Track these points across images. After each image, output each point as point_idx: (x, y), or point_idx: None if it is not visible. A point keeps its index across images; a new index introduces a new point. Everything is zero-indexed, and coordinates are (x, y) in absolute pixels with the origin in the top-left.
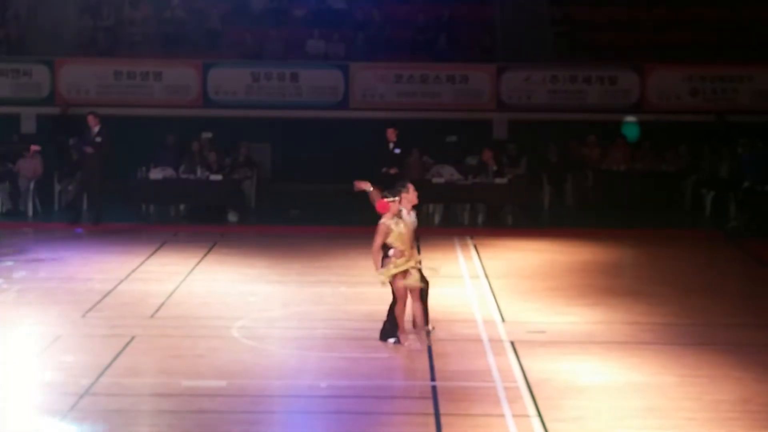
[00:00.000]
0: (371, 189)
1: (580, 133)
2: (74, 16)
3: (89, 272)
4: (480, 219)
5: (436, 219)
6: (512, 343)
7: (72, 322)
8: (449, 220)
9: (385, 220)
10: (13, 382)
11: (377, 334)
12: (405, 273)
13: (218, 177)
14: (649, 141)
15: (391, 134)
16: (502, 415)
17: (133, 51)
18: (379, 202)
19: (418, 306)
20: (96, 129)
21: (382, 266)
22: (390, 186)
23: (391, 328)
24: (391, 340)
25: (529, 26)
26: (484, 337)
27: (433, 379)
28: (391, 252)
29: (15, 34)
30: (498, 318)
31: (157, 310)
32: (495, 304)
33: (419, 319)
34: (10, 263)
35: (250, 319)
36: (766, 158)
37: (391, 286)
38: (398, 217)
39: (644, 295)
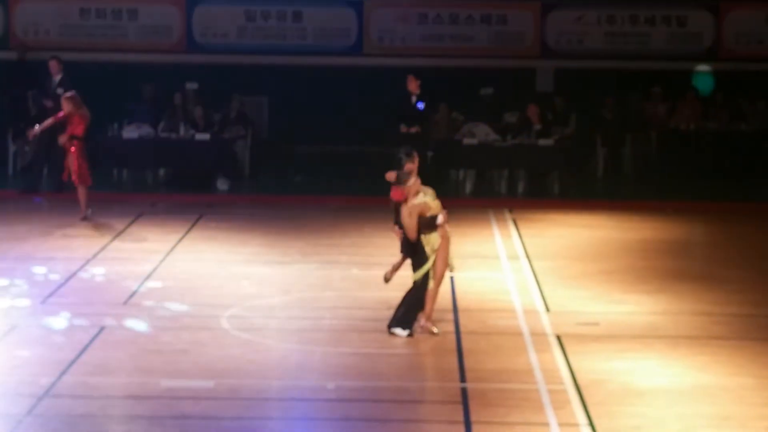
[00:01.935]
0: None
1: (642, 84)
2: None
3: (50, 250)
4: (520, 188)
5: (468, 188)
6: (558, 338)
7: (29, 309)
8: (483, 189)
9: (415, 201)
10: None
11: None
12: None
13: (205, 136)
14: (725, 95)
15: (413, 84)
16: (546, 424)
17: None
18: (394, 191)
19: (435, 292)
20: (57, 78)
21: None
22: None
23: (402, 316)
24: (403, 333)
25: None
26: (525, 330)
27: (463, 380)
28: (440, 219)
29: None
30: (541, 307)
31: (131, 296)
32: (538, 290)
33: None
34: None
35: (244, 307)
36: None
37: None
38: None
39: (717, 280)
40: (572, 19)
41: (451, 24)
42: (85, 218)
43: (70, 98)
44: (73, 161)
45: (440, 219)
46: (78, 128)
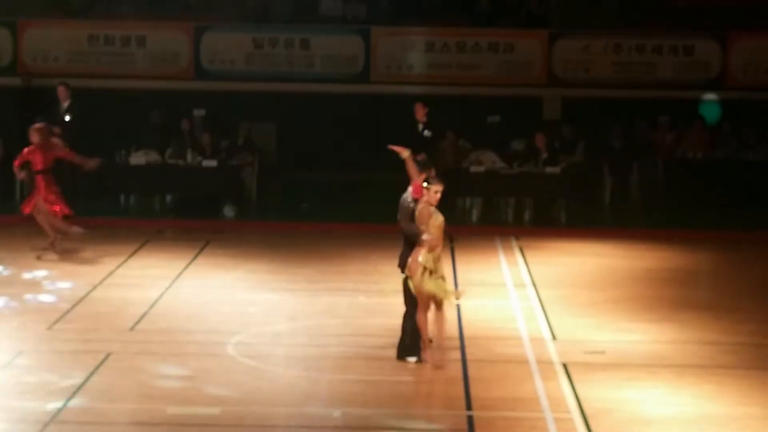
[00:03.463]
0: (407, 155)
1: (649, 113)
2: None
3: (57, 276)
4: (527, 216)
5: (474, 215)
6: (565, 366)
7: (36, 335)
8: (490, 216)
9: (427, 204)
10: None
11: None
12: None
13: (212, 163)
14: (732, 124)
15: (420, 112)
16: None
17: (111, 11)
18: (415, 184)
19: (442, 318)
20: (65, 104)
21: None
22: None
23: (410, 343)
24: (412, 359)
25: None
26: (531, 358)
27: (469, 408)
28: (425, 236)
29: None
30: (548, 335)
31: (137, 322)
32: (544, 318)
33: (441, 333)
34: None
35: (250, 334)
36: None
37: (415, 289)
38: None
39: (724, 309)
40: (579, 47)
41: (458, 52)
42: (51, 245)
43: (38, 129)
44: (40, 193)
45: (424, 236)
46: (38, 164)
